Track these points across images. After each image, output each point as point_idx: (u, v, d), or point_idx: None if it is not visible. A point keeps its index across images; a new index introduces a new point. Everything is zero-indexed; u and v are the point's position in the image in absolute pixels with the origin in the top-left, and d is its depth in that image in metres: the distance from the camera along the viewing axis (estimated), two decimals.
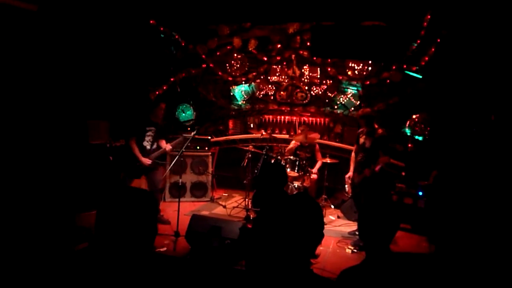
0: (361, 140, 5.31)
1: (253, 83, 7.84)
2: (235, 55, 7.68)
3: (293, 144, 6.80)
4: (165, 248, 4.75)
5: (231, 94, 7.99)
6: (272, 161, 6.43)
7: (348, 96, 7.29)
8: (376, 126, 5.27)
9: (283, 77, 7.64)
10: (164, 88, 7.62)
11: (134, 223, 1.44)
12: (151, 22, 7.12)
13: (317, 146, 6.82)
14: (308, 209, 1.62)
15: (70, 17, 5.68)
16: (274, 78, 7.71)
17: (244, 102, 7.97)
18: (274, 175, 3.19)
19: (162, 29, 7.27)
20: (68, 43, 5.75)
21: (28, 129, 5.24)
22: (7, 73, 5.01)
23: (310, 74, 7.44)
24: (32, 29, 5.25)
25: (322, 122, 7.59)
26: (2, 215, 4.17)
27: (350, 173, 5.55)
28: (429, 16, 6.19)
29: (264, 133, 6.89)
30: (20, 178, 4.78)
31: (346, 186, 5.69)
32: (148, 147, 5.56)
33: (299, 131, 6.78)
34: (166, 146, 5.68)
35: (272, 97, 7.82)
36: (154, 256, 1.56)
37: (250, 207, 6.06)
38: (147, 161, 5.45)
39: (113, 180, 5.64)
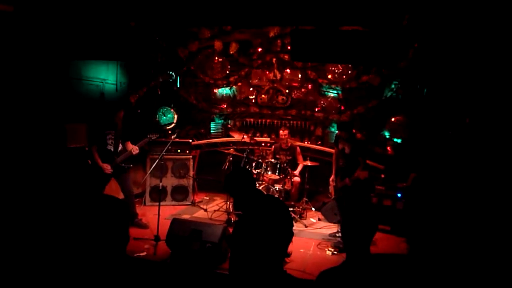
0: (341, 145, 5.38)
1: (234, 86, 7.85)
2: (216, 58, 7.67)
3: (273, 147, 6.86)
4: (145, 253, 4.68)
5: (213, 97, 7.97)
6: (236, 166, 6.43)
7: (328, 99, 7.37)
8: (354, 131, 5.36)
9: (264, 80, 7.68)
10: (144, 90, 7.55)
11: (103, 230, 1.42)
12: (131, 24, 7.04)
13: (298, 149, 6.86)
14: (277, 210, 1.67)
15: (47, 18, 5.57)
16: (255, 82, 7.74)
17: (225, 105, 7.96)
18: (239, 181, 3.13)
19: (142, 31, 7.21)
20: (46, 44, 5.63)
21: (5, 133, 5.11)
22: None
23: (291, 77, 7.50)
24: (8, 30, 5.13)
25: (303, 125, 7.65)
26: None
27: (333, 176, 5.62)
28: (406, 22, 6.33)
29: (245, 136, 6.89)
30: None
31: (330, 188, 5.75)
32: (112, 149, 5.47)
33: (281, 134, 6.80)
34: (133, 148, 5.52)
35: (253, 100, 7.84)
36: (133, 260, 1.54)
37: (231, 210, 6.05)
38: (107, 168, 5.36)
39: (91, 184, 5.53)
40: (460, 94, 5.88)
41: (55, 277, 1.39)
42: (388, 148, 6.74)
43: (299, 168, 6.72)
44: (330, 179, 5.68)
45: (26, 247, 3.96)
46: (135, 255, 4.52)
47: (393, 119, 6.71)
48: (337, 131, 5.60)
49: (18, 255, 3.74)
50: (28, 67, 5.44)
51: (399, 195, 5.94)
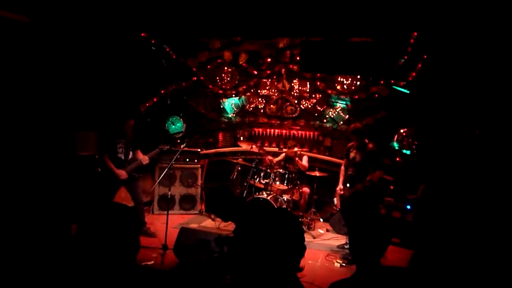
0: (352, 154, 5.36)
1: (243, 96, 7.89)
2: (226, 68, 7.73)
3: (281, 156, 6.85)
4: (152, 262, 4.69)
5: (221, 107, 8.02)
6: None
7: (337, 110, 7.37)
8: (367, 141, 5.33)
9: (273, 90, 7.71)
10: (154, 100, 7.63)
11: (115, 238, 1.43)
12: (142, 34, 7.15)
13: (306, 156, 6.87)
14: (287, 224, 1.64)
15: (61, 29, 5.69)
16: (264, 92, 7.77)
17: (234, 115, 8.00)
18: (220, 203, 3.19)
19: (153, 41, 7.32)
20: (59, 54, 5.74)
21: (17, 140, 5.19)
22: None
23: (300, 88, 7.53)
24: (23, 40, 5.25)
25: (312, 135, 7.65)
26: None
27: (340, 186, 5.58)
28: (416, 33, 6.33)
29: (254, 146, 6.91)
30: (6, 188, 4.71)
31: (335, 199, 5.71)
32: (123, 157, 5.52)
33: (289, 146, 6.80)
34: (143, 158, 5.56)
35: (262, 111, 7.87)
36: (140, 269, 1.55)
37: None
38: (122, 173, 5.41)
39: (101, 192, 5.56)
40: (470, 106, 5.85)
41: (66, 285, 1.40)
42: (397, 159, 6.70)
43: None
44: (337, 189, 5.65)
45: (37, 253, 3.99)
46: (143, 263, 4.53)
47: (402, 130, 6.68)
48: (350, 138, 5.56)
49: (28, 262, 3.77)
50: (41, 75, 5.54)
51: (408, 207, 5.88)
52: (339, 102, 7.34)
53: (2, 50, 5.01)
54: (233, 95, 7.87)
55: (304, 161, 6.79)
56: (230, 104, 7.97)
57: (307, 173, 6.67)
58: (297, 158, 6.63)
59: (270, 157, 6.83)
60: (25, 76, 5.34)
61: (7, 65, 5.08)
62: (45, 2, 5.36)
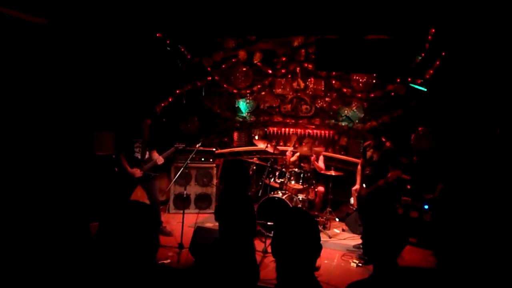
0: (369, 153, 5.29)
1: (251, 99, 7.87)
2: (240, 68, 7.74)
3: (295, 156, 6.81)
4: (169, 260, 4.73)
5: (236, 106, 8.03)
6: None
7: (353, 108, 7.30)
8: (384, 140, 5.26)
9: (287, 89, 7.68)
10: (170, 100, 7.69)
11: (136, 236, 1.44)
12: (158, 35, 7.22)
13: (322, 157, 6.82)
14: (303, 223, 1.64)
15: (79, 30, 5.78)
16: (279, 91, 7.74)
17: (248, 114, 8.00)
18: (238, 177, 3.51)
19: (168, 42, 7.37)
20: (77, 56, 5.84)
21: (36, 140, 5.30)
22: (16, 85, 5.09)
23: (315, 86, 7.47)
24: (42, 42, 5.35)
25: (327, 134, 7.60)
26: (8, 222, 4.20)
27: (357, 186, 5.52)
28: (433, 30, 6.23)
29: (268, 145, 6.89)
30: (27, 187, 4.82)
31: (352, 198, 5.67)
32: (139, 157, 5.57)
33: (304, 144, 6.77)
34: (158, 158, 5.60)
35: (276, 110, 7.85)
36: (157, 268, 1.56)
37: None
38: (137, 172, 5.45)
39: (118, 191, 5.64)
40: (490, 103, 5.72)
41: (87, 282, 1.42)
42: (414, 158, 6.60)
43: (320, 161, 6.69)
44: (353, 189, 5.60)
45: (55, 251, 4.06)
46: (159, 262, 4.58)
47: (419, 129, 6.57)
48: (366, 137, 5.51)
49: (47, 259, 3.84)
50: (59, 76, 5.64)
51: (426, 206, 5.80)
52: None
53: (21, 52, 5.12)
54: (247, 94, 7.85)
55: (321, 163, 6.74)
56: (244, 103, 7.97)
57: (323, 172, 6.62)
58: (313, 158, 6.58)
59: (289, 154, 6.78)
60: (44, 77, 5.45)
61: (27, 67, 5.19)
62: (63, 4, 5.45)
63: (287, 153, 6.82)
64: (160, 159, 5.60)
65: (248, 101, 7.90)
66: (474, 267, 4.06)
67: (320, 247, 1.67)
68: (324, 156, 6.97)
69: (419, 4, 5.65)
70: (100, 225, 1.45)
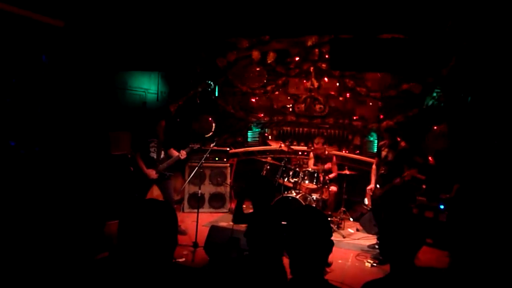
0: (383, 153, 5.26)
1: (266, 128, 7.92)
2: (254, 67, 7.76)
3: (312, 159, 6.81)
4: (183, 259, 4.78)
5: (250, 106, 8.05)
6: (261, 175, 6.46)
7: (367, 108, 7.25)
8: (399, 139, 5.22)
9: (301, 89, 7.68)
10: (184, 99, 7.76)
11: (155, 234, 1.46)
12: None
13: (334, 159, 6.78)
14: (315, 220, 1.68)
15: (95, 32, 5.87)
16: (293, 90, 7.75)
17: (262, 114, 8.01)
18: (263, 189, 3.37)
19: (183, 42, 7.44)
20: (94, 56, 5.93)
21: (53, 139, 5.40)
22: (34, 87, 5.20)
23: (329, 86, 7.45)
24: (59, 44, 5.45)
25: (341, 134, 7.56)
26: (26, 219, 4.29)
27: (372, 185, 5.50)
28: (448, 28, 6.14)
29: (282, 145, 6.90)
30: (46, 186, 4.92)
31: (366, 198, 5.64)
32: (155, 157, 5.64)
33: (315, 143, 6.76)
34: (180, 153, 5.62)
35: (290, 109, 7.84)
36: (173, 266, 1.59)
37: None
38: (152, 173, 5.52)
39: (134, 190, 5.71)
40: (507, 102, 5.62)
41: (99, 278, 1.45)
42: (430, 157, 6.52)
43: (331, 175, 6.61)
44: (368, 188, 5.57)
45: (77, 250, 4.15)
46: (174, 261, 4.62)
47: (435, 128, 6.49)
48: (381, 137, 5.47)
49: (63, 256, 3.92)
50: (77, 78, 5.74)
51: (441, 206, 5.73)
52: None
53: (39, 54, 5.23)
54: (262, 94, 7.86)
55: (334, 171, 6.69)
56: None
57: (334, 175, 6.61)
58: (335, 167, 6.63)
59: (311, 163, 6.79)
60: (62, 78, 5.55)
61: (44, 68, 5.29)
62: (80, 7, 5.55)
63: (309, 162, 6.83)
64: (182, 153, 5.62)
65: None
66: (490, 268, 4.01)
67: (332, 243, 1.71)
68: (337, 156, 6.95)
69: (434, 2, 5.59)
70: (120, 223, 1.48)
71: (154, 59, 6.95)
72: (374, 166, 5.58)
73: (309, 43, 7.34)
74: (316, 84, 7.53)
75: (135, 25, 6.33)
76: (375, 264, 4.87)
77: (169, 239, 1.51)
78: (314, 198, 6.10)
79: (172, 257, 1.55)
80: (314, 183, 6.19)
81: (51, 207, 4.75)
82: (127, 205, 1.52)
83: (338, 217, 6.49)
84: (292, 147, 7.07)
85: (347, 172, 6.42)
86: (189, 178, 6.01)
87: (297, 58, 7.53)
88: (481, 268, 4.13)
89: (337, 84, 7.41)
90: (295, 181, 6.29)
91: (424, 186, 6.25)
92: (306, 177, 6.23)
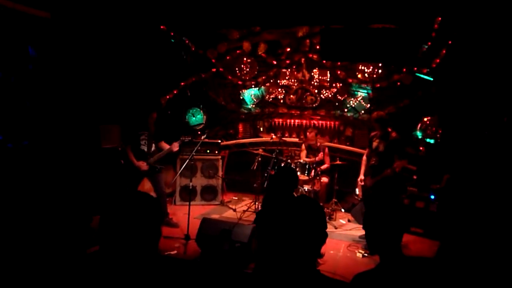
0: (374, 144, 5.28)
1: (262, 86, 7.85)
2: (245, 59, 7.71)
3: (304, 150, 6.82)
4: (175, 251, 4.77)
5: (241, 98, 8.01)
6: (284, 165, 6.45)
7: (358, 99, 7.26)
8: (390, 130, 5.24)
9: (292, 80, 7.64)
10: (175, 92, 7.69)
11: (136, 226, 1.44)
12: (161, 27, 7.19)
13: (326, 150, 6.79)
14: (310, 210, 1.65)
15: (82, 24, 5.78)
16: (284, 82, 7.71)
17: (253, 106, 7.98)
18: (287, 178, 3.41)
19: (172, 34, 7.35)
20: (81, 49, 5.84)
21: (42, 133, 5.33)
22: (21, 80, 5.11)
23: (320, 77, 7.43)
24: (46, 35, 5.36)
25: (332, 125, 7.56)
26: (14, 214, 4.25)
27: (362, 176, 5.51)
28: (440, 18, 6.14)
29: (274, 136, 6.89)
30: (35, 180, 4.87)
31: (357, 189, 5.66)
32: (146, 150, 5.60)
33: (308, 134, 6.77)
34: (173, 145, 5.62)
35: (281, 101, 7.82)
36: (164, 259, 1.57)
37: (259, 210, 6.05)
38: (142, 165, 5.49)
39: (124, 183, 5.68)
40: (497, 92, 5.66)
41: (89, 272, 1.43)
42: (421, 148, 6.56)
43: (323, 167, 6.62)
44: (358, 179, 5.59)
45: (58, 243, 4.11)
46: (166, 253, 4.61)
47: (425, 119, 6.52)
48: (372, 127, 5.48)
49: (50, 250, 3.89)
50: (63, 70, 5.65)
51: (432, 197, 5.78)
52: (360, 91, 7.21)
53: (25, 46, 5.13)
54: (253, 86, 7.84)
55: (326, 157, 6.71)
56: (249, 95, 7.95)
57: (327, 166, 6.63)
58: (328, 158, 6.67)
59: (303, 155, 6.81)
60: (49, 71, 5.46)
61: (31, 61, 5.20)
62: None
63: (301, 154, 6.83)
64: (175, 145, 5.62)
65: (254, 90, 7.85)
66: (479, 257, 4.06)
67: (326, 235, 1.68)
68: (329, 147, 6.96)
69: None
70: (102, 215, 1.45)
71: (144, 50, 6.88)
72: (364, 157, 5.60)
73: (300, 34, 7.29)
74: (307, 75, 7.50)
75: (124, 16, 6.24)
76: (366, 254, 4.90)
77: (151, 229, 1.48)
78: (306, 190, 6.11)
79: (157, 249, 1.53)
80: (306, 174, 6.19)
81: (41, 202, 4.70)
82: (108, 198, 1.49)
83: (330, 208, 6.52)
84: (283, 138, 7.05)
85: (338, 162, 6.44)
86: (180, 171, 5.98)
87: (288, 49, 7.48)
88: (469, 257, 4.18)
89: (329, 75, 7.37)
90: None
91: (415, 177, 6.29)
92: (297, 169, 6.23)
